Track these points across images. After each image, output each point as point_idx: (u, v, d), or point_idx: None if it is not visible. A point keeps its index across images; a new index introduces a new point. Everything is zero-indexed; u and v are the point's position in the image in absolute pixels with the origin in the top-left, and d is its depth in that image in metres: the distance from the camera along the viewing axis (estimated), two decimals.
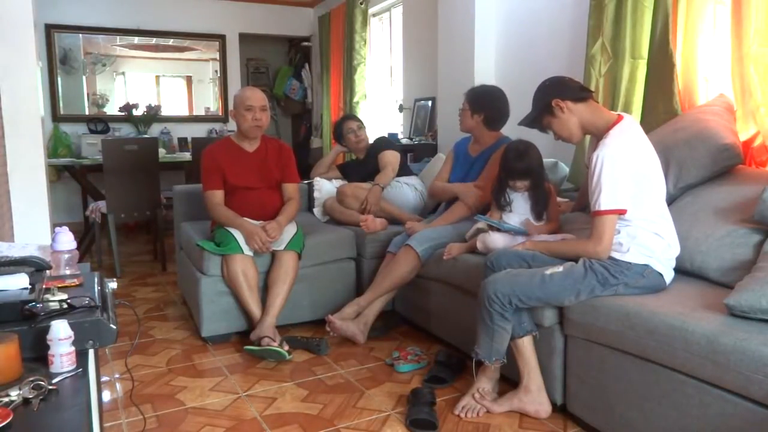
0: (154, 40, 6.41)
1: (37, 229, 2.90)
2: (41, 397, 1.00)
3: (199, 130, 6.51)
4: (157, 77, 6.62)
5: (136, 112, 6.09)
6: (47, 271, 1.47)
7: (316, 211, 3.63)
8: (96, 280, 1.49)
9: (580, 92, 2.09)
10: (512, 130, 2.72)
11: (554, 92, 2.09)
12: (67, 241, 1.61)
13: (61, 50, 5.94)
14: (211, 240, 2.87)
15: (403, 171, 3.55)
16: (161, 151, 5.09)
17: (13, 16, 2.80)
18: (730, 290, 1.70)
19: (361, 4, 5.47)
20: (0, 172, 2.72)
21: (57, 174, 5.59)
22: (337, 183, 3.65)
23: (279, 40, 7.61)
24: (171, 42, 6.50)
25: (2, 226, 2.62)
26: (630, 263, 1.93)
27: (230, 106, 3.41)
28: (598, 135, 2.06)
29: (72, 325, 1.14)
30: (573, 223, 2.43)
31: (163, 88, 6.65)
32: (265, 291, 2.84)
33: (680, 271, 2.06)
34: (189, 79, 6.77)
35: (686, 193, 2.28)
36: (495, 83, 3.54)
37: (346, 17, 5.69)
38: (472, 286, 2.26)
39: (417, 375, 2.48)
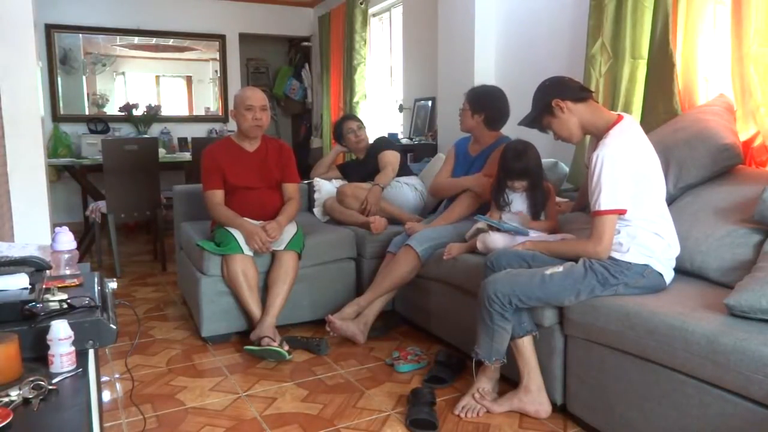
0: (154, 40, 6.41)
1: (37, 229, 2.90)
2: (41, 397, 1.00)
3: (199, 130, 6.51)
4: (157, 77, 6.62)
5: (136, 112, 6.09)
6: (47, 271, 1.47)
7: (316, 211, 3.63)
8: (96, 280, 1.49)
9: (580, 92, 2.09)
10: (512, 130, 2.72)
11: (554, 92, 2.09)
12: (67, 241, 1.61)
13: (61, 50, 5.94)
14: (211, 240, 2.87)
15: (403, 171, 3.55)
16: (161, 151, 5.09)
17: (13, 16, 2.80)
18: (730, 290, 1.70)
19: (361, 4, 5.47)
20: (0, 172, 2.72)
21: (57, 174, 5.59)
22: (337, 183, 3.65)
23: (279, 40, 7.61)
24: (171, 42, 6.50)
25: (2, 226, 2.62)
26: (630, 263, 1.93)
27: (230, 106, 3.41)
28: (598, 135, 2.06)
29: (72, 325, 1.14)
30: (573, 223, 2.43)
31: (163, 88, 6.65)
32: (265, 291, 2.84)
33: (680, 271, 2.06)
34: (189, 79, 6.77)
35: (686, 193, 2.28)
36: (495, 83, 3.54)
37: (346, 17, 5.69)
38: (472, 286, 2.26)
39: (417, 375, 2.48)
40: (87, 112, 6.13)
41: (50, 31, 5.81)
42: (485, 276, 2.11)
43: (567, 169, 3.14)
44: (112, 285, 1.50)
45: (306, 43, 7.25)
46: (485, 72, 3.87)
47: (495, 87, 3.01)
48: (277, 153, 3.05)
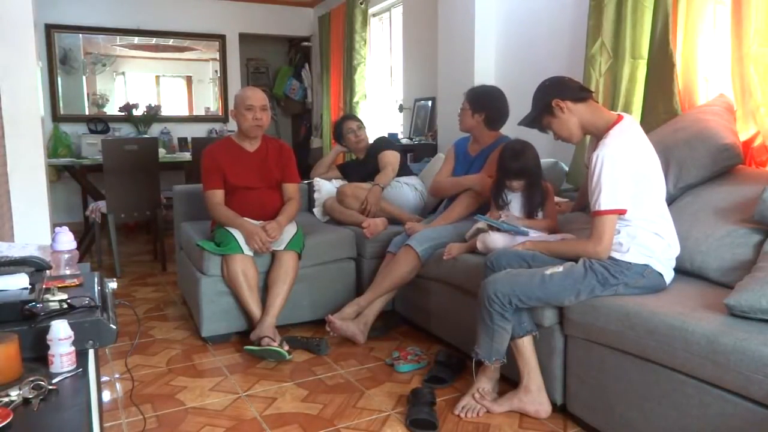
0: (154, 40, 6.41)
1: (37, 229, 2.90)
2: (41, 397, 1.00)
3: (199, 130, 6.51)
4: (157, 77, 6.62)
5: (136, 112, 6.09)
6: (47, 271, 1.47)
7: (316, 211, 3.63)
8: (96, 280, 1.49)
9: (580, 92, 2.09)
10: (512, 129, 2.72)
11: (554, 92, 2.09)
12: (67, 241, 1.61)
13: (61, 50, 5.94)
14: (211, 240, 2.87)
15: (403, 171, 3.55)
16: (161, 151, 5.09)
17: (13, 16, 2.80)
18: (730, 290, 1.70)
19: (361, 4, 5.47)
20: (0, 172, 2.72)
21: (57, 174, 5.59)
22: (337, 183, 3.65)
23: (279, 40, 7.61)
24: (171, 42, 6.50)
25: (2, 226, 2.62)
26: (630, 263, 1.93)
27: (230, 106, 3.41)
28: (598, 135, 2.06)
29: (72, 325, 1.14)
30: (573, 223, 2.43)
31: (163, 88, 6.65)
32: (265, 291, 2.84)
33: (680, 271, 2.06)
34: (189, 79, 6.77)
35: (686, 193, 2.28)
36: (495, 83, 3.54)
37: (346, 17, 5.69)
38: (472, 286, 2.26)
39: (417, 375, 2.47)
40: (87, 112, 6.13)
41: (50, 31, 5.81)
42: (485, 276, 2.11)
43: (567, 169, 3.14)
44: (112, 285, 1.50)
45: (306, 43, 7.25)
46: (485, 72, 3.87)
47: (495, 87, 3.01)
48: (277, 153, 3.05)
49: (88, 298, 1.28)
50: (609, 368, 1.88)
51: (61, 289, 1.38)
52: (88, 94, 6.17)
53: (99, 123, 6.05)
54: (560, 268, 1.97)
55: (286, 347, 2.63)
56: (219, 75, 6.69)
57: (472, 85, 3.27)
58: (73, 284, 1.44)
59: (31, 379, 1.02)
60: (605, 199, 1.91)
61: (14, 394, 0.99)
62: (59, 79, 5.94)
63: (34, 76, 2.92)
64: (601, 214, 1.93)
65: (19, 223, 2.87)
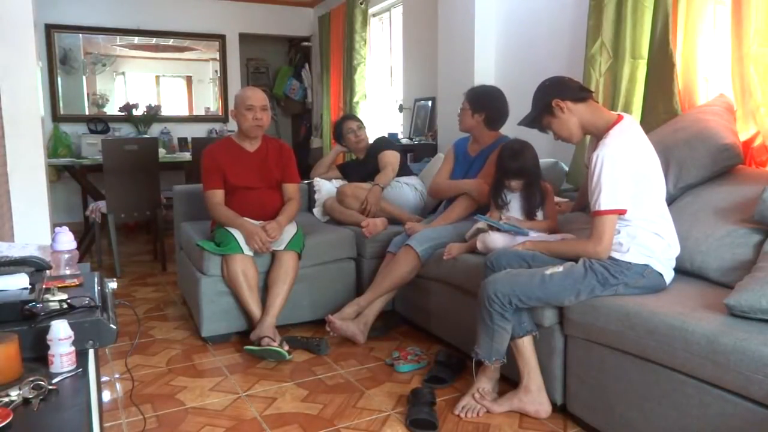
0: (154, 40, 6.41)
1: (37, 229, 2.90)
2: (41, 397, 1.00)
3: (199, 130, 6.51)
4: (157, 77, 6.62)
5: (136, 112, 6.09)
6: (47, 271, 1.47)
7: (316, 211, 3.63)
8: (96, 280, 1.49)
9: (580, 92, 2.09)
10: (512, 129, 2.72)
11: (554, 92, 2.09)
12: (67, 241, 1.61)
13: (61, 50, 5.94)
14: (211, 240, 2.87)
15: (403, 171, 3.55)
16: (161, 151, 5.09)
17: (13, 16, 2.80)
18: (730, 290, 1.70)
19: (361, 4, 5.47)
20: (0, 172, 2.72)
21: (57, 174, 5.59)
22: (337, 183, 3.65)
23: (279, 40, 7.61)
24: (171, 42, 6.50)
25: (2, 226, 2.62)
26: (630, 263, 1.93)
27: (230, 106, 3.41)
28: (598, 135, 2.06)
29: (72, 325, 1.14)
30: (573, 223, 2.43)
31: (163, 88, 6.65)
32: (265, 291, 2.84)
33: (680, 271, 2.06)
34: (189, 79, 6.77)
35: (686, 193, 2.28)
36: (495, 83, 3.54)
37: (346, 17, 5.69)
38: (472, 286, 2.26)
39: (417, 375, 2.47)
40: (87, 112, 6.13)
41: (50, 31, 5.81)
42: (485, 276, 2.11)
43: (567, 169, 3.14)
44: (112, 285, 1.50)
45: (306, 43, 7.25)
46: (485, 72, 3.87)
47: (494, 87, 3.02)
48: (277, 153, 3.05)
49: (88, 298, 1.28)
50: (609, 368, 1.88)
51: (61, 289, 1.38)
52: (88, 94, 6.17)
53: (99, 123, 6.05)
54: (560, 268, 1.97)
55: (286, 347, 2.63)
56: (219, 75, 6.69)
57: (472, 85, 3.26)
58: (73, 284, 1.44)
59: (31, 379, 1.02)
60: (605, 199, 1.91)
61: (14, 394, 0.99)
62: (59, 79, 5.94)
63: (34, 76, 2.92)
64: (601, 214, 1.93)
65: (19, 223, 2.87)
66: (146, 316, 3.29)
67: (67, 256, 1.60)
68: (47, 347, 1.12)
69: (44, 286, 1.36)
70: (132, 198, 4.27)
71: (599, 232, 1.94)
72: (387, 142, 3.72)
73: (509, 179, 2.42)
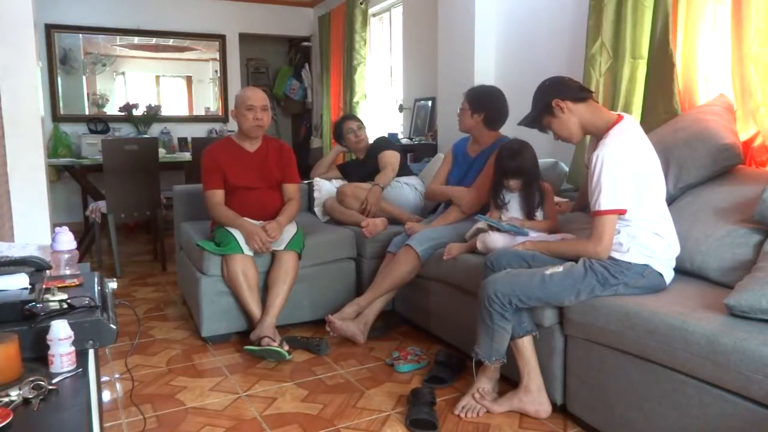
0: (154, 40, 6.41)
1: (37, 229, 2.90)
2: (41, 397, 1.00)
3: (199, 130, 6.51)
4: (157, 77, 6.62)
5: (136, 112, 6.09)
6: (47, 271, 1.47)
7: (316, 211, 3.63)
8: (96, 280, 1.49)
9: (579, 92, 2.09)
10: (512, 130, 2.72)
11: (554, 92, 2.09)
12: (67, 241, 1.61)
13: (61, 50, 5.94)
14: (211, 240, 2.87)
15: (403, 171, 3.55)
16: (161, 151, 5.10)
17: (13, 16, 2.80)
18: (730, 290, 1.70)
19: (361, 4, 5.47)
20: (0, 172, 2.72)
21: (57, 174, 5.59)
22: (337, 183, 3.65)
23: (279, 40, 7.61)
24: (171, 42, 6.50)
25: (2, 226, 2.62)
26: (630, 263, 1.93)
27: (230, 106, 3.41)
28: (598, 135, 2.06)
29: (72, 325, 1.14)
30: (573, 223, 2.43)
31: (163, 88, 6.65)
32: (265, 291, 2.84)
33: (680, 271, 2.06)
34: (189, 79, 6.77)
35: (686, 193, 2.28)
36: (495, 83, 3.54)
37: (346, 17, 5.69)
38: (472, 286, 2.26)
39: (417, 375, 2.47)
40: (87, 112, 6.13)
41: (50, 31, 5.81)
42: (485, 276, 2.11)
43: (567, 169, 3.14)
44: (112, 285, 1.50)
45: (306, 43, 7.25)
46: (485, 72, 3.87)
47: (494, 87, 3.02)
48: (277, 153, 3.05)
49: (88, 298, 1.28)
50: (609, 368, 1.88)
51: (61, 289, 1.38)
52: (88, 94, 6.17)
53: (99, 123, 6.05)
54: (560, 268, 1.97)
55: (286, 347, 2.63)
56: (219, 75, 6.69)
57: (472, 85, 3.26)
58: (73, 284, 1.44)
59: (31, 379, 1.02)
60: (605, 199, 1.91)
61: (14, 394, 0.99)
62: (59, 79, 5.94)
63: (34, 76, 2.92)
64: (601, 214, 1.93)
65: (19, 223, 2.87)
66: (146, 316, 3.29)
67: (67, 256, 1.60)
68: (47, 347, 1.12)
69: (44, 286, 1.36)
70: (132, 198, 4.27)
71: (599, 232, 1.94)
72: (387, 142, 3.72)
73: (508, 179, 2.42)
